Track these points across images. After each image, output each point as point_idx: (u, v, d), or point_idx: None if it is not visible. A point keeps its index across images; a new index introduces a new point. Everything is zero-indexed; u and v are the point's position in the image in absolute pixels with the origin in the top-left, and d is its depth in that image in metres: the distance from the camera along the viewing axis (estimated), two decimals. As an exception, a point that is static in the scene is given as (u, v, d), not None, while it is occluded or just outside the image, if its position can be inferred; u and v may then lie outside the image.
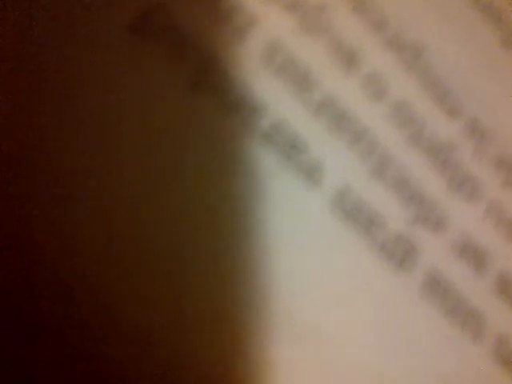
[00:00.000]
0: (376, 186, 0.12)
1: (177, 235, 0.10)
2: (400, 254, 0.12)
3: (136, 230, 0.10)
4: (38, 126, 0.10)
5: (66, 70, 0.10)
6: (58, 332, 0.09)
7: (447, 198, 0.13)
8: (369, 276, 0.12)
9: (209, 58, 0.11)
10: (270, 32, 0.12)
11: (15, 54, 0.10)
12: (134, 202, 0.10)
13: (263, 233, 0.11)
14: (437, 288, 0.12)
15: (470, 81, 0.13)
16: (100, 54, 0.10)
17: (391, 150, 0.12)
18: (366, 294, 0.11)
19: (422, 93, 0.13)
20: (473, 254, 0.13)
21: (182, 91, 0.11)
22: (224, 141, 0.11)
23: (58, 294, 0.09)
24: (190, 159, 0.11)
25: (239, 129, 0.11)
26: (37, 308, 0.09)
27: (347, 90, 0.12)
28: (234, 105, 0.11)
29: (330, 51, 0.12)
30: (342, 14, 0.12)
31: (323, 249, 0.11)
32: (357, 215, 0.12)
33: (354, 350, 0.11)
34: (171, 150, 0.10)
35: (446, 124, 0.13)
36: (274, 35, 0.12)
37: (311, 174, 0.11)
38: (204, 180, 0.11)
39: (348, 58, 0.12)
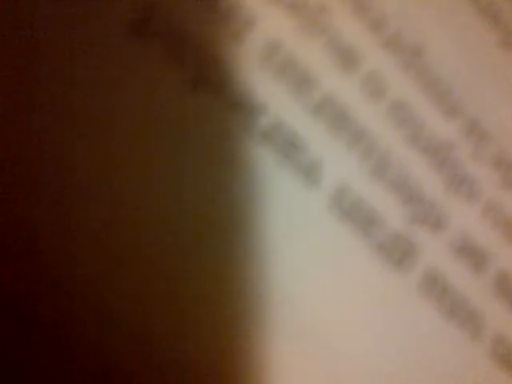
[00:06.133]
0: (375, 186, 0.12)
1: (176, 236, 0.10)
2: (398, 254, 0.12)
3: (136, 231, 0.10)
4: (36, 128, 0.10)
5: (65, 71, 0.10)
6: (57, 333, 0.09)
7: (446, 198, 0.13)
8: (367, 275, 0.12)
9: (208, 59, 0.11)
10: (269, 32, 0.11)
11: (13, 55, 0.10)
12: (134, 202, 0.10)
13: (261, 232, 0.11)
14: (435, 287, 0.12)
15: (468, 81, 0.14)
16: (99, 55, 0.10)
17: (390, 150, 0.12)
18: (364, 293, 0.11)
19: (421, 93, 0.13)
20: (471, 254, 0.13)
21: (182, 91, 0.11)
22: (223, 140, 0.11)
23: (57, 295, 0.09)
24: (189, 159, 0.11)
25: (238, 128, 0.11)
26: (36, 309, 0.09)
27: (346, 90, 0.12)
28: (234, 104, 0.11)
29: (329, 51, 0.12)
30: (341, 15, 0.12)
31: (321, 248, 0.11)
32: (355, 214, 0.12)
33: (352, 348, 0.11)
34: (170, 150, 0.10)
35: (445, 124, 0.13)
36: (273, 35, 0.12)
37: (310, 173, 0.11)
38: (203, 179, 0.11)
39: (347, 58, 0.12)
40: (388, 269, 0.12)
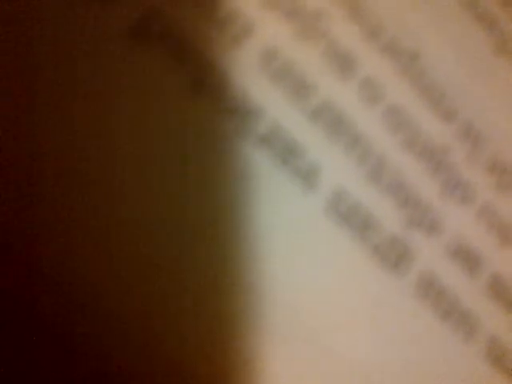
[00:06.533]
0: (371, 190, 0.12)
1: (175, 237, 0.10)
2: (394, 257, 0.12)
3: (135, 234, 0.10)
4: (36, 130, 0.10)
5: (65, 74, 0.10)
6: (57, 333, 0.09)
7: (441, 202, 0.13)
8: (363, 278, 0.12)
9: (207, 63, 0.11)
10: (267, 38, 0.11)
11: (14, 58, 0.10)
12: (134, 202, 0.10)
13: (258, 235, 0.11)
14: (430, 290, 0.12)
15: (463, 86, 0.14)
16: (99, 57, 0.10)
17: (386, 154, 0.12)
18: (360, 296, 0.12)
19: (417, 97, 0.13)
20: (466, 257, 0.13)
21: (180, 96, 0.11)
22: (221, 144, 0.11)
23: (57, 295, 0.09)
24: (187, 161, 0.11)
25: (236, 133, 0.11)
26: (36, 309, 0.09)
27: (343, 95, 0.12)
28: (232, 109, 0.11)
29: (326, 57, 0.12)
30: (338, 21, 0.12)
31: (318, 251, 0.11)
32: (352, 218, 0.12)
33: (348, 350, 0.11)
34: (169, 153, 0.10)
35: (440, 128, 0.13)
36: (271, 41, 0.12)
37: (307, 177, 0.11)
38: (201, 182, 0.11)
39: (344, 64, 0.12)
40: (384, 271, 0.12)
